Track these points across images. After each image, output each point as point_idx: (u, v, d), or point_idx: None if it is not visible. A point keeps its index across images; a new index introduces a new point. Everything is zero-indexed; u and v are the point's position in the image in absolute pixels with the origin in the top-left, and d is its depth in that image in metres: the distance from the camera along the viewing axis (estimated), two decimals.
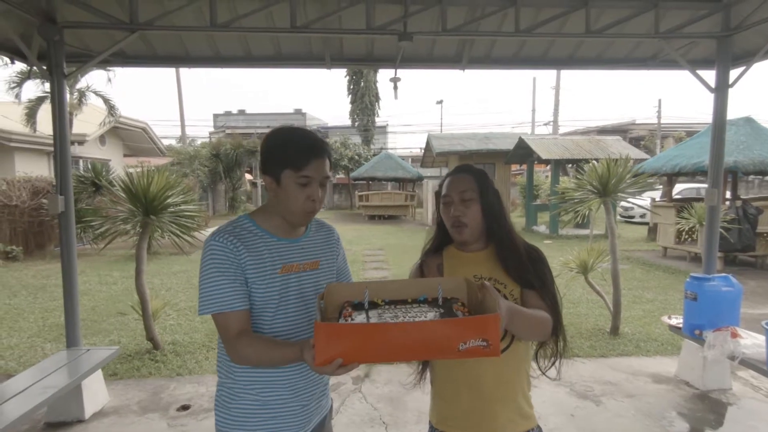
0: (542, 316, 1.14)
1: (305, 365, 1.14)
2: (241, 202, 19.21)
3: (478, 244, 1.29)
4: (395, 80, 3.95)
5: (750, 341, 2.66)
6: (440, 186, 1.33)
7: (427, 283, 1.10)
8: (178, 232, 4.16)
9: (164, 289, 6.43)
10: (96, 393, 3.06)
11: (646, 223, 11.93)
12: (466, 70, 3.83)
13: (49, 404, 2.86)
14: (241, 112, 35.14)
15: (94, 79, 13.44)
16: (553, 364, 1.30)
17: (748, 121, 7.97)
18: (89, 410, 2.95)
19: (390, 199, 17.18)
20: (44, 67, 2.96)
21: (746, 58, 3.46)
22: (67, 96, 2.99)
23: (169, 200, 4.04)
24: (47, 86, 12.14)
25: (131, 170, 4.11)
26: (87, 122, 12.44)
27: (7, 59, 3.31)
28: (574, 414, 2.91)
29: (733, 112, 3.42)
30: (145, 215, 3.91)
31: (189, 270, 7.61)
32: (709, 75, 3.43)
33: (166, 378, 3.56)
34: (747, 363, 2.58)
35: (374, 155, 21.01)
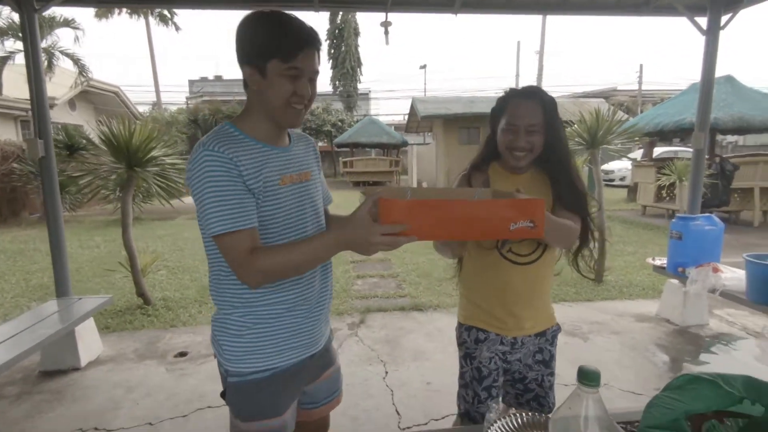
0: (570, 225, 1.19)
1: (317, 280, 1.11)
2: None
3: (526, 166, 1.29)
4: (386, 24, 3.82)
5: (730, 275, 2.79)
6: (502, 106, 1.28)
7: (463, 192, 1.17)
8: (165, 186, 4.05)
9: (150, 252, 6.33)
10: (90, 342, 3.04)
11: (626, 186, 12.21)
12: (458, 15, 3.73)
13: (43, 353, 2.84)
14: (218, 79, 33.87)
15: (62, 40, 12.67)
16: (594, 267, 1.41)
17: (729, 79, 8.09)
18: (85, 358, 2.93)
19: (374, 165, 17.08)
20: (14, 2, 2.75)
21: (734, 4, 3.48)
22: (39, 36, 2.79)
23: (153, 152, 3.91)
24: (9, 45, 11.42)
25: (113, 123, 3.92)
26: (57, 84, 11.78)
27: None
28: (563, 349, 3.04)
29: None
30: (129, 168, 3.78)
31: (174, 233, 7.49)
32: (701, 23, 3.46)
33: (160, 329, 3.55)
34: (727, 295, 2.71)
35: (357, 122, 20.67)
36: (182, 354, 3.08)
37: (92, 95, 14.62)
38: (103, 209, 10.29)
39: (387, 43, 3.89)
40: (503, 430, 0.90)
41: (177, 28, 19.70)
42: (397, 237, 0.85)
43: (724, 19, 3.37)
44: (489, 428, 0.89)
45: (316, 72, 1.01)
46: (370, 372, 2.78)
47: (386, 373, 2.77)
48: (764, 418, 0.74)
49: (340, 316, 3.73)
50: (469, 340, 1.35)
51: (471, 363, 1.34)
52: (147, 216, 9.10)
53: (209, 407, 2.42)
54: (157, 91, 22.14)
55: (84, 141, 8.30)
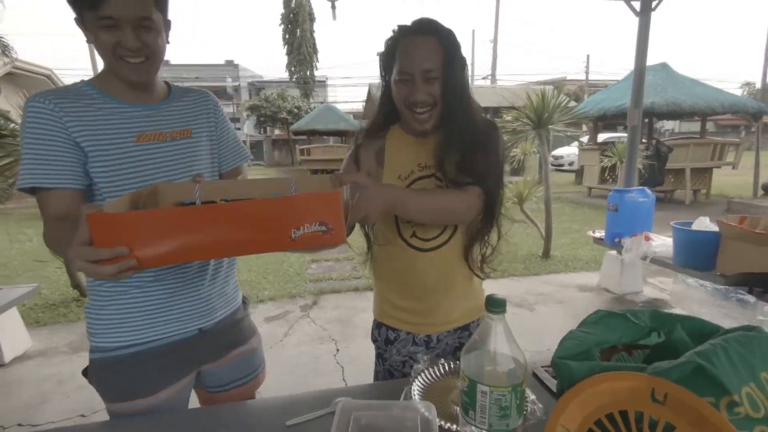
0: (449, 201, 0.95)
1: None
2: None
3: (434, 127, 1.02)
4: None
5: (660, 242, 2.97)
6: (391, 50, 0.99)
7: (283, 182, 0.88)
8: None
9: None
10: (15, 337, 2.81)
11: (574, 171, 12.78)
12: None
13: None
14: (165, 63, 31.96)
15: None
16: (483, 262, 1.09)
17: (664, 66, 8.58)
18: (8, 354, 2.70)
19: (333, 153, 16.82)
20: None
21: None
22: None
23: None
24: None
25: None
26: None
27: None
28: (510, 320, 3.14)
29: (649, 60, 3.70)
30: None
31: None
32: (635, 6, 3.64)
33: None
34: (657, 261, 2.89)
35: (314, 109, 20.29)
36: None
37: (20, 78, 13.38)
38: (34, 201, 9.55)
39: (334, 18, 3.79)
40: (428, 378, 0.90)
41: None
42: (118, 263, 0.63)
43: (654, 2, 3.55)
44: (415, 378, 0.89)
45: (143, 18, 0.87)
46: (322, 350, 2.75)
47: (337, 350, 2.75)
48: (663, 343, 0.77)
49: (292, 299, 3.67)
50: (380, 339, 1.16)
51: (383, 364, 1.17)
52: None
53: None
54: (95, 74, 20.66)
55: (12, 125, 7.62)
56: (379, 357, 1.18)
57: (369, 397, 0.89)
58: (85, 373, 1.00)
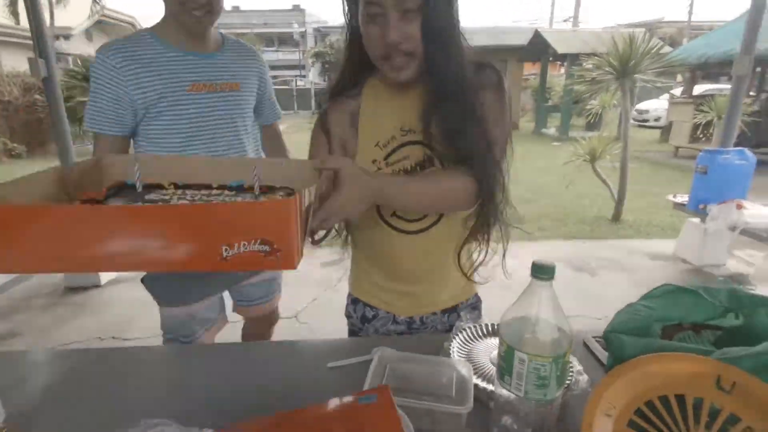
0: (446, 187, 0.79)
1: None
2: None
3: (415, 76, 0.78)
4: None
5: (754, 211, 2.63)
6: None
7: (249, 163, 0.74)
8: None
9: None
10: None
11: (660, 127, 11.50)
12: None
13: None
14: (235, 9, 32.49)
15: None
16: (481, 264, 0.94)
17: None
18: (104, 277, 3.09)
19: None
20: None
21: None
22: None
23: None
24: None
25: None
26: (71, 13, 11.55)
27: None
28: (569, 283, 3.02)
29: None
30: None
31: None
32: None
33: None
34: (747, 232, 2.58)
35: None
36: None
37: (107, 26, 14.33)
38: None
39: None
40: (469, 337, 0.88)
41: None
42: None
43: None
44: (456, 336, 0.88)
45: None
46: None
47: None
48: (742, 326, 0.68)
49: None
50: (355, 315, 1.03)
51: None
52: None
53: None
54: None
55: None
56: (352, 335, 1.06)
57: (408, 349, 0.90)
58: (143, 279, 1.22)
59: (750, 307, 0.70)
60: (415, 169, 0.85)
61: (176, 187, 0.70)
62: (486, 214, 0.84)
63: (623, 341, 0.65)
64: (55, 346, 2.36)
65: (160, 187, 0.69)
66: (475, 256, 0.95)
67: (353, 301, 1.04)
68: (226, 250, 0.48)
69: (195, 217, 0.49)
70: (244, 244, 0.47)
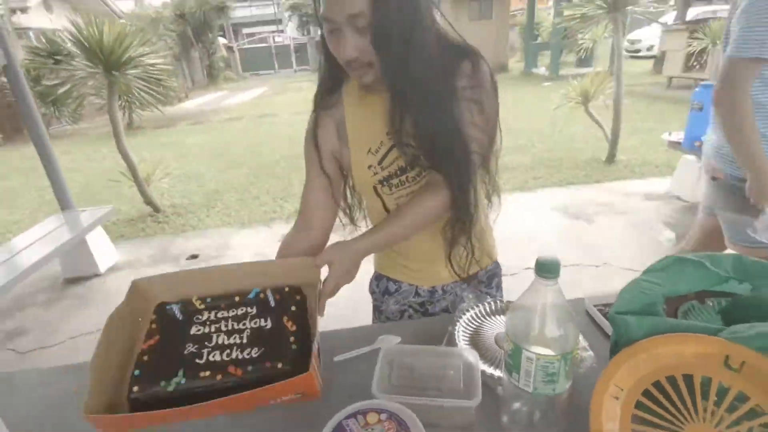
0: (423, 213, 0.81)
1: None
2: (220, 70, 17.86)
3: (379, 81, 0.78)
4: None
5: None
6: None
7: (258, 269, 0.85)
8: (149, 90, 3.84)
9: (156, 160, 6.32)
10: (105, 251, 3.17)
11: (653, 57, 11.17)
12: None
13: (62, 262, 2.99)
14: None
15: None
16: (472, 259, 0.93)
17: None
18: (103, 265, 3.09)
19: None
20: None
21: None
22: None
23: (129, 52, 3.62)
24: None
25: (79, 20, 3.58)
26: None
27: None
28: (567, 231, 3.03)
29: None
30: (107, 72, 3.54)
31: (177, 141, 7.38)
32: None
33: (171, 235, 3.67)
34: None
35: None
36: (194, 256, 3.22)
37: None
38: (106, 120, 10.13)
39: None
40: (473, 318, 0.88)
41: None
42: None
43: None
44: (460, 318, 0.87)
45: None
46: None
47: None
48: (750, 297, 0.68)
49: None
50: (378, 291, 1.10)
51: (379, 317, 1.13)
52: (148, 124, 8.93)
53: None
54: None
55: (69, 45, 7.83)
56: (375, 310, 1.13)
57: (413, 335, 0.90)
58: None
59: (756, 275, 0.69)
60: (408, 167, 0.86)
61: (207, 303, 0.81)
62: (461, 220, 0.84)
63: (629, 323, 0.64)
64: (65, 340, 2.39)
65: (190, 303, 0.81)
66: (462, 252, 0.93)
67: (377, 277, 1.11)
68: (272, 401, 0.66)
69: (250, 401, 0.65)
70: (284, 398, 0.66)
